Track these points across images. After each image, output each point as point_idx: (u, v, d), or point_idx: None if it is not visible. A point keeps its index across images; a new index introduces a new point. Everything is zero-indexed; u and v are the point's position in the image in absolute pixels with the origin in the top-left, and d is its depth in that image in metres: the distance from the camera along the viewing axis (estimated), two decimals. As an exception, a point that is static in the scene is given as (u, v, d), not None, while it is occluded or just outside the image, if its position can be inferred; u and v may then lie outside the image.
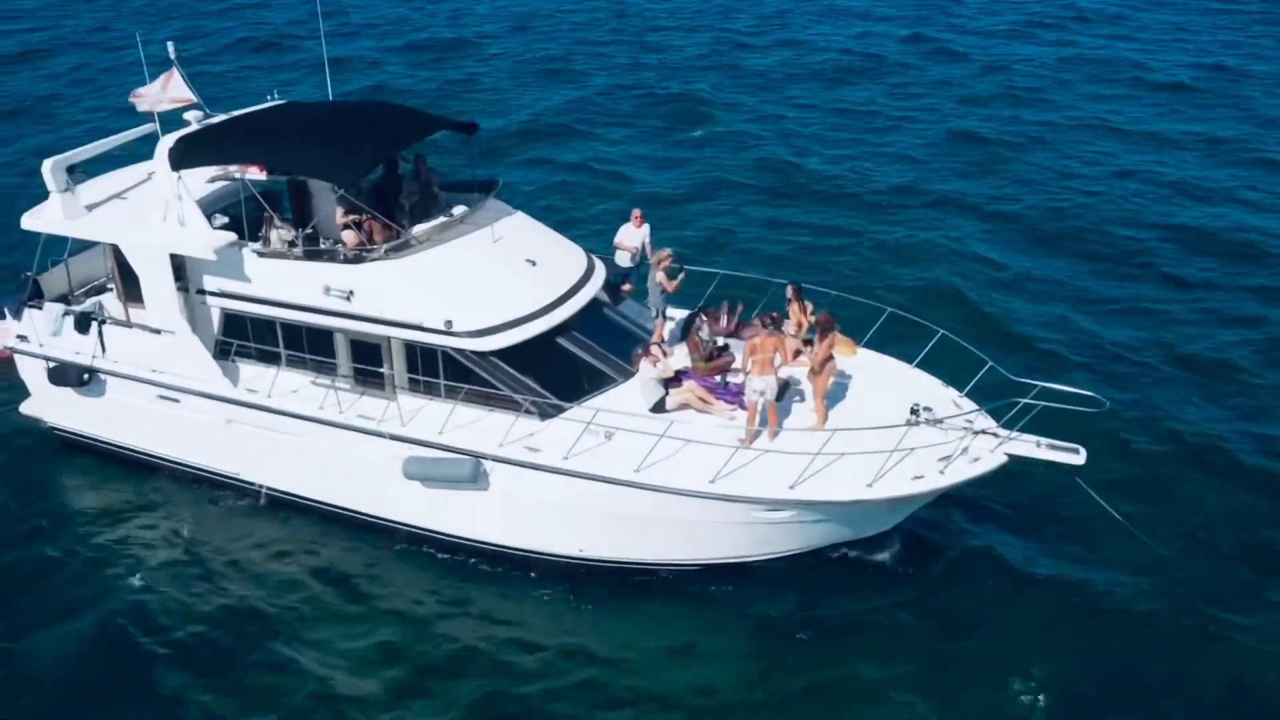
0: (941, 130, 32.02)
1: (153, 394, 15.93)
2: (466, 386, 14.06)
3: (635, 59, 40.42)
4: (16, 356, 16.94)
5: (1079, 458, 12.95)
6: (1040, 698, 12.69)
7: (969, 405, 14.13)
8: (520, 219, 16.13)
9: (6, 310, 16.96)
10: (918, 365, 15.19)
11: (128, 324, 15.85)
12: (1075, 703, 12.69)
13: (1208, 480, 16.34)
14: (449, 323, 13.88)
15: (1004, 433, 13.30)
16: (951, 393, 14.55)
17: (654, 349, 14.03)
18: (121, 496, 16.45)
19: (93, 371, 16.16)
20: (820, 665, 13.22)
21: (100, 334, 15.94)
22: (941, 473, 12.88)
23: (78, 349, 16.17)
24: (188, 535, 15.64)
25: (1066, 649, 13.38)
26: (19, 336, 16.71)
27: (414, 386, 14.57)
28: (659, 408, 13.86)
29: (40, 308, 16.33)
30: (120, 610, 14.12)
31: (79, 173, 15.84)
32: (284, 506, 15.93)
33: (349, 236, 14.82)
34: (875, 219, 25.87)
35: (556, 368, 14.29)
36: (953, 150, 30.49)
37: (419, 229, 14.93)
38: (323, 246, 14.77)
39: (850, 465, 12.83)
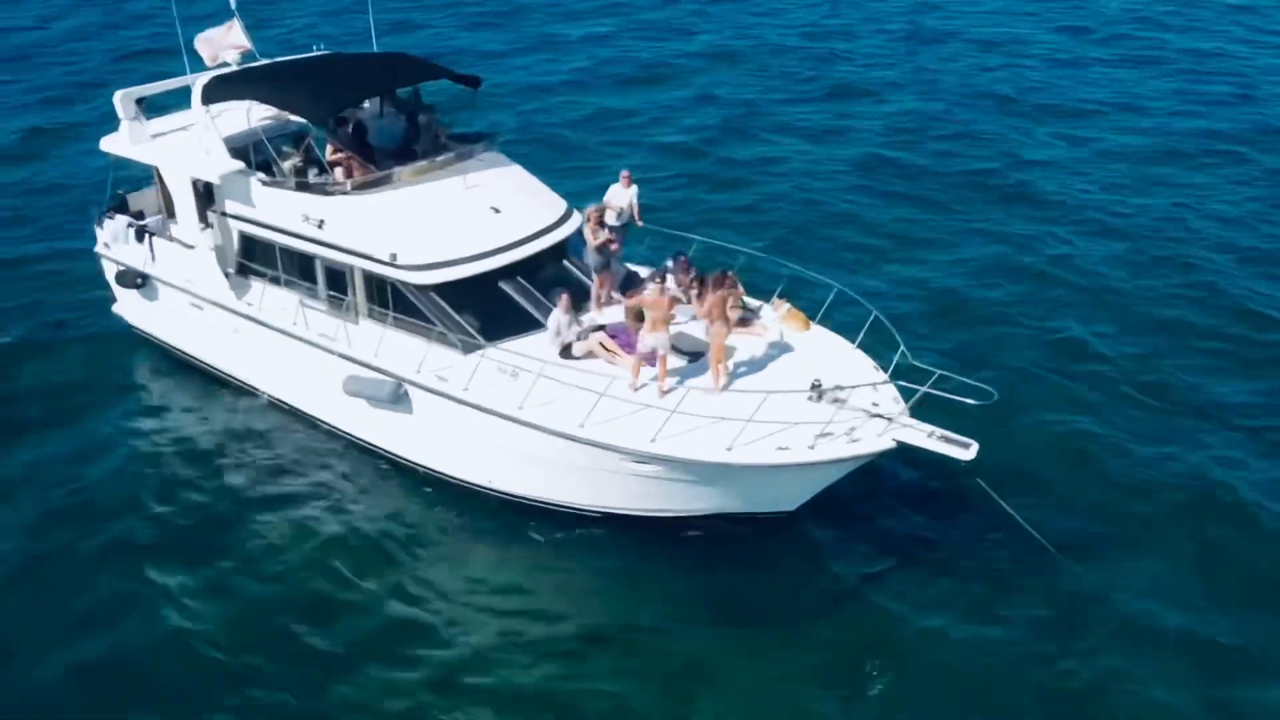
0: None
1: (186, 301, 18.26)
2: (393, 315, 15.21)
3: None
4: (102, 261, 19.89)
5: (968, 452, 12.30)
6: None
7: (888, 390, 13.62)
8: (508, 170, 16.98)
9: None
10: (859, 346, 14.81)
11: (169, 238, 18.24)
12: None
13: (1105, 478, 16.01)
14: (394, 255, 15.03)
15: (897, 418, 12.79)
16: (880, 376, 14.04)
17: (563, 299, 14.50)
18: (157, 392, 18.94)
19: (145, 277, 18.73)
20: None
21: (150, 245, 18.45)
22: (810, 448, 12.58)
23: (137, 257, 18.81)
24: (192, 431, 17.83)
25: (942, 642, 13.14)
26: (104, 244, 19.63)
27: (372, 313, 15.87)
28: (566, 354, 14.37)
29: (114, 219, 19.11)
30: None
31: (145, 106, 18.32)
32: (283, 413, 17.77)
33: (338, 172, 16.31)
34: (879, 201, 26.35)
35: (489, 307, 15.09)
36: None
37: (400, 169, 16.17)
38: (312, 180, 16.32)
39: (733, 429, 12.80)
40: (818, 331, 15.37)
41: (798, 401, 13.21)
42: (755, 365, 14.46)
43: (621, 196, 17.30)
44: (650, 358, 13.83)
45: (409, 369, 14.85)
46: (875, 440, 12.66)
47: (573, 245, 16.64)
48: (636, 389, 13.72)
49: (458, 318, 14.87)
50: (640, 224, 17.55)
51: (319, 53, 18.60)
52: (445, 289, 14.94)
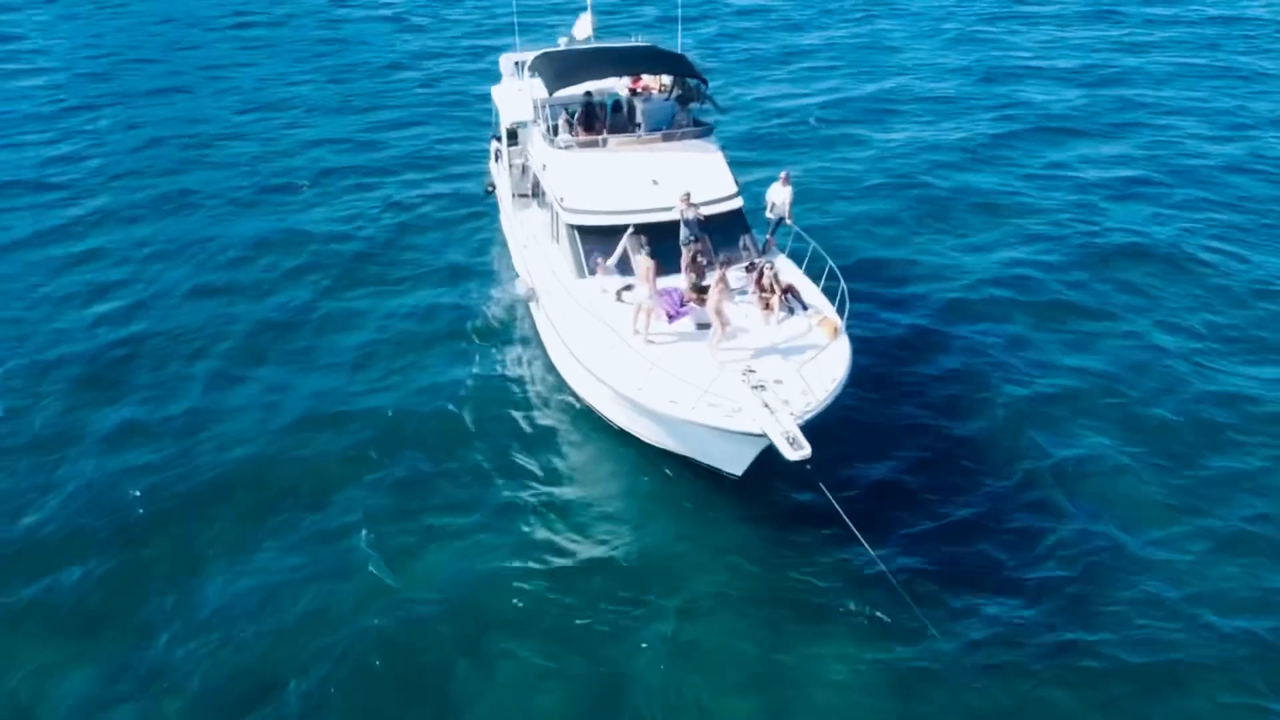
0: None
1: (506, 210, 25.43)
2: (560, 240, 20.34)
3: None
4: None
5: (795, 454, 13.90)
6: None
7: (824, 395, 15.26)
8: (700, 156, 20.70)
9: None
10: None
11: (502, 162, 25.46)
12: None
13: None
14: (562, 199, 20.14)
15: (777, 412, 14.67)
16: (823, 391, 15.49)
17: (601, 262, 18.35)
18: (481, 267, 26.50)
19: (494, 186, 26.38)
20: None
21: (497, 166, 25.92)
22: (692, 409, 15.10)
23: (496, 174, 26.49)
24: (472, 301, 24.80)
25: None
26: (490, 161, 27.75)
27: (558, 238, 21.14)
28: (618, 299, 18.33)
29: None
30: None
31: (521, 67, 25.44)
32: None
33: (568, 134, 21.70)
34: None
35: (605, 252, 19.42)
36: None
37: (612, 138, 21.07)
38: (557, 136, 21.89)
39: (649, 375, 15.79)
40: (840, 341, 16.93)
41: (735, 378, 15.64)
42: (748, 346, 16.86)
43: (778, 194, 20.07)
44: (664, 310, 17.31)
45: (539, 280, 20.07)
46: (748, 423, 14.72)
47: (736, 223, 19.85)
48: (635, 333, 17.23)
49: (581, 252, 19.52)
50: (789, 222, 20.09)
51: (639, 43, 23.87)
52: (582, 229, 19.65)
